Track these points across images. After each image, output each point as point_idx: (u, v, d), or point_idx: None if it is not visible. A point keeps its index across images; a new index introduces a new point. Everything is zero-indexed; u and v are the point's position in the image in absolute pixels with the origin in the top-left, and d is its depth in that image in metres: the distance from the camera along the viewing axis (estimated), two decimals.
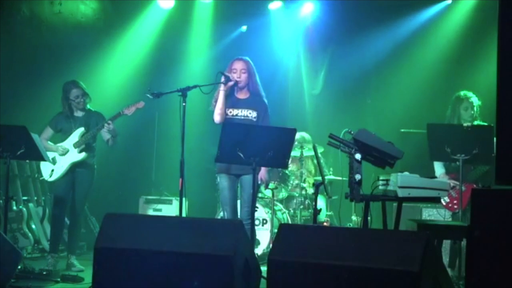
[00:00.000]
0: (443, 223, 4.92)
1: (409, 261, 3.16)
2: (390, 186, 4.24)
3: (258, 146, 4.67)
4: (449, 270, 5.02)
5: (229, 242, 3.59)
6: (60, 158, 5.95)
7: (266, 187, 5.49)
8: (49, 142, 6.02)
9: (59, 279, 5.28)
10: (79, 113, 6.07)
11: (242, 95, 5.34)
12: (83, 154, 5.93)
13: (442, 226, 4.62)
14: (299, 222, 6.93)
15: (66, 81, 6.06)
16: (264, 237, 6.59)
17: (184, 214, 5.07)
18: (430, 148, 5.44)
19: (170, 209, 7.55)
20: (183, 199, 4.86)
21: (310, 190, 6.95)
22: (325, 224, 7.07)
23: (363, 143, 4.16)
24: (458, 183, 5.42)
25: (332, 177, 7.36)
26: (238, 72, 5.26)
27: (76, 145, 5.92)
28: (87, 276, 5.12)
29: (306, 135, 7.35)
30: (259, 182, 5.28)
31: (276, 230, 4.20)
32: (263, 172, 5.28)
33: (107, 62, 7.94)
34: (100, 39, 7.95)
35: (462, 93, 5.86)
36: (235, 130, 4.81)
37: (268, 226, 6.62)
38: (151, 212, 7.53)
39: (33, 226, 6.60)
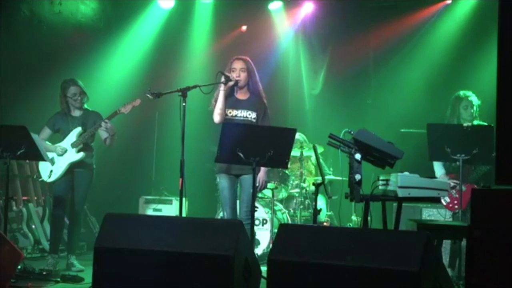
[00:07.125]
0: (443, 223, 4.92)
1: (409, 261, 3.16)
2: (390, 186, 4.24)
3: (258, 146, 4.66)
4: (449, 270, 5.02)
5: (229, 242, 3.59)
6: (58, 159, 5.94)
7: (260, 190, 5.47)
8: (47, 142, 6.01)
9: (59, 279, 5.27)
10: (76, 113, 6.05)
11: (242, 95, 5.33)
12: (81, 154, 5.92)
13: (442, 226, 4.62)
14: (299, 222, 6.93)
15: (65, 79, 6.06)
16: (264, 237, 6.59)
17: (184, 214, 5.07)
18: (430, 148, 5.44)
19: (170, 209, 7.55)
20: (183, 199, 4.86)
21: (310, 190, 6.94)
22: (325, 224, 7.07)
23: (363, 143, 4.16)
24: (458, 182, 5.42)
25: (332, 177, 7.36)
26: (237, 71, 5.26)
27: (74, 145, 5.91)
28: (87, 276, 5.11)
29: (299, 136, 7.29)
30: (257, 183, 5.25)
31: (276, 230, 4.20)
32: (262, 174, 5.26)
33: (107, 62, 7.94)
34: (100, 39, 7.95)
35: (461, 92, 5.88)
36: (235, 130, 4.81)
37: (268, 226, 6.62)
38: (151, 212, 7.52)
39: (33, 226, 6.60)
